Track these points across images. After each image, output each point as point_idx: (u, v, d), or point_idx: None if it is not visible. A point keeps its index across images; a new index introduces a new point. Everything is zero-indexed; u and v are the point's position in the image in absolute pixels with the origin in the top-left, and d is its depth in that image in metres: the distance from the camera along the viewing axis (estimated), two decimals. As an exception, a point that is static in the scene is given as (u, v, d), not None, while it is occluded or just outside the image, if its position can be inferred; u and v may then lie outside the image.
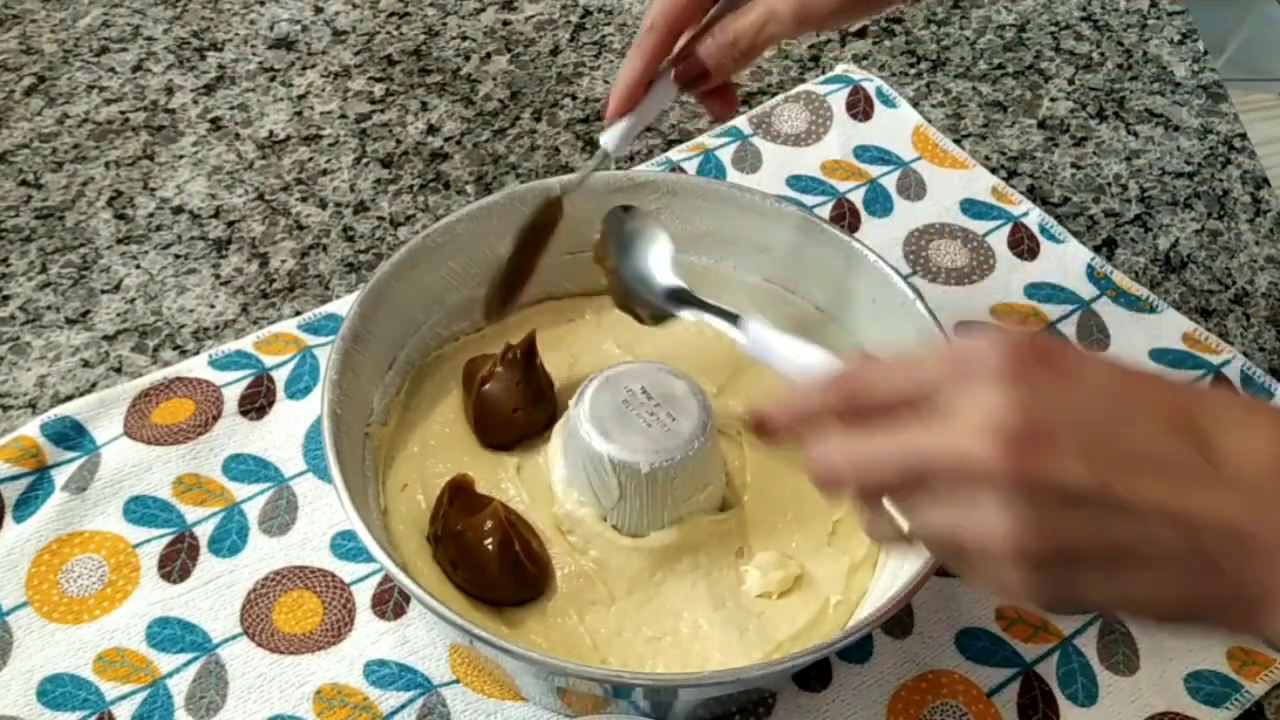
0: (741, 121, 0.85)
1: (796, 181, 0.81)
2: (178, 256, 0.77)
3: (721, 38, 0.52)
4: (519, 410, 0.62)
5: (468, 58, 0.90)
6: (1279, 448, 0.36)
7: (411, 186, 0.81)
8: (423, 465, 0.62)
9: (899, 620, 0.61)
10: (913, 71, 0.91)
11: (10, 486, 0.63)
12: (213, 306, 0.74)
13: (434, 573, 0.58)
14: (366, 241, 0.78)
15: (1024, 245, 0.78)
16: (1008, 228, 0.79)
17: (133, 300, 0.74)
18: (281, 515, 0.64)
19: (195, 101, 0.86)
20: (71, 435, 0.65)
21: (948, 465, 0.37)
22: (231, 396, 0.68)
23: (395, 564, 0.50)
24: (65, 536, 0.62)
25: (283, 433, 0.67)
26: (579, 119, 0.86)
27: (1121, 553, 0.36)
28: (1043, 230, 0.79)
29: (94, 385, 0.70)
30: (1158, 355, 0.72)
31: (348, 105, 0.87)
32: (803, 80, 0.89)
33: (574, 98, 0.88)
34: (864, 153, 0.83)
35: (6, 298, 0.74)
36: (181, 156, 0.83)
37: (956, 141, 0.85)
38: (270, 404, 0.68)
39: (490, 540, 0.56)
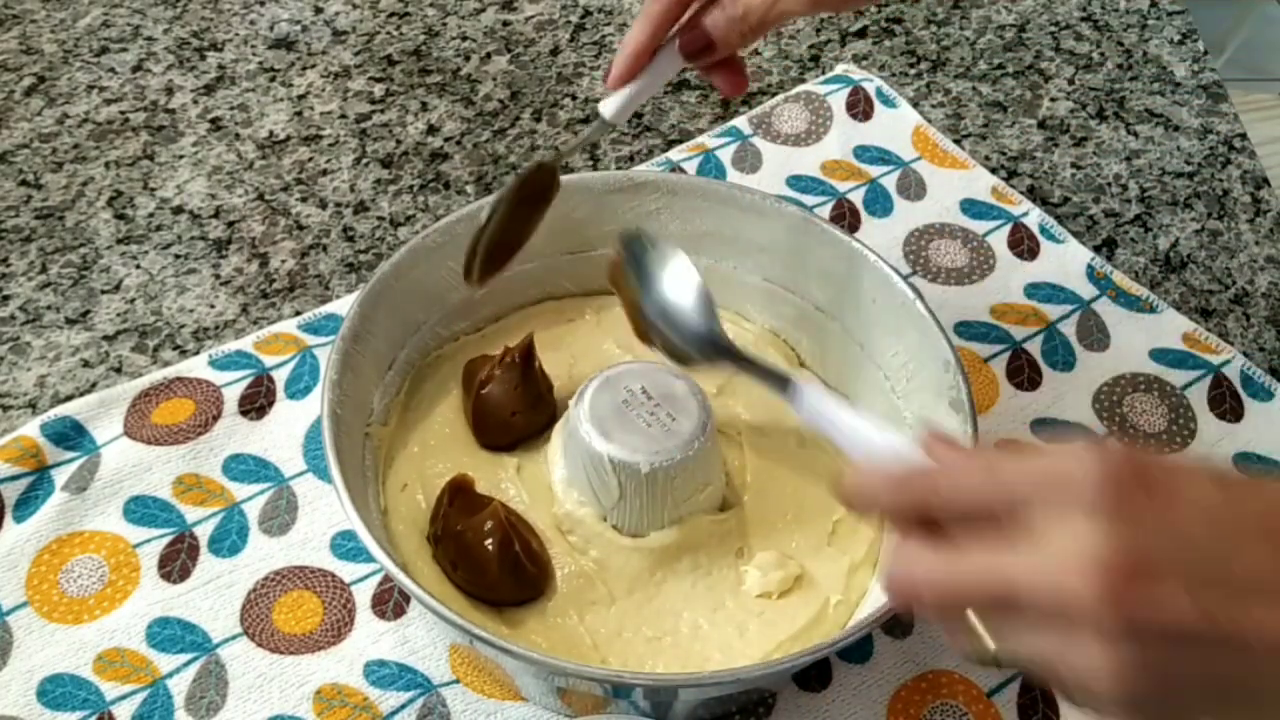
0: (741, 121, 0.85)
1: (796, 181, 0.81)
2: (178, 256, 0.77)
3: (731, 10, 0.51)
4: (517, 413, 0.62)
5: (468, 58, 0.90)
6: None
7: (411, 186, 0.81)
8: (423, 465, 0.62)
9: (899, 620, 0.61)
10: (913, 71, 0.91)
11: (10, 486, 0.63)
12: (213, 306, 0.74)
13: (434, 573, 0.58)
14: (366, 241, 0.78)
15: (1024, 245, 0.78)
16: (1008, 228, 0.79)
17: (133, 300, 0.74)
18: (281, 515, 0.64)
19: (195, 101, 0.86)
20: (71, 435, 0.65)
21: (1042, 597, 0.35)
22: (231, 396, 0.68)
23: (395, 564, 0.50)
24: (65, 536, 0.62)
25: (283, 433, 0.67)
26: (579, 119, 0.86)
27: (1231, 686, 0.35)
28: (1043, 230, 0.79)
29: (94, 385, 0.70)
30: (1158, 355, 0.72)
31: (348, 105, 0.87)
32: (803, 80, 0.89)
33: (574, 98, 0.88)
34: (864, 153, 0.83)
35: (6, 298, 0.74)
36: (181, 156, 0.83)
37: (956, 141, 0.85)
38: (270, 404, 0.68)
39: (490, 540, 0.56)
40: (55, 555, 0.62)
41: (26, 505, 0.63)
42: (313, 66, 0.89)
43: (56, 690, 0.58)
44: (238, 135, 0.84)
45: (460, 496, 0.59)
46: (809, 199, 0.80)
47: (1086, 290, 0.76)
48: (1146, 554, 0.34)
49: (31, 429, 0.65)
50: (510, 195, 0.54)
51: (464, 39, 0.92)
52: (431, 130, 0.85)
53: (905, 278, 0.61)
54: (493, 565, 0.56)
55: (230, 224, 0.79)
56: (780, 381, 0.51)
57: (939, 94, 0.89)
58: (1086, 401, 0.70)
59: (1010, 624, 0.36)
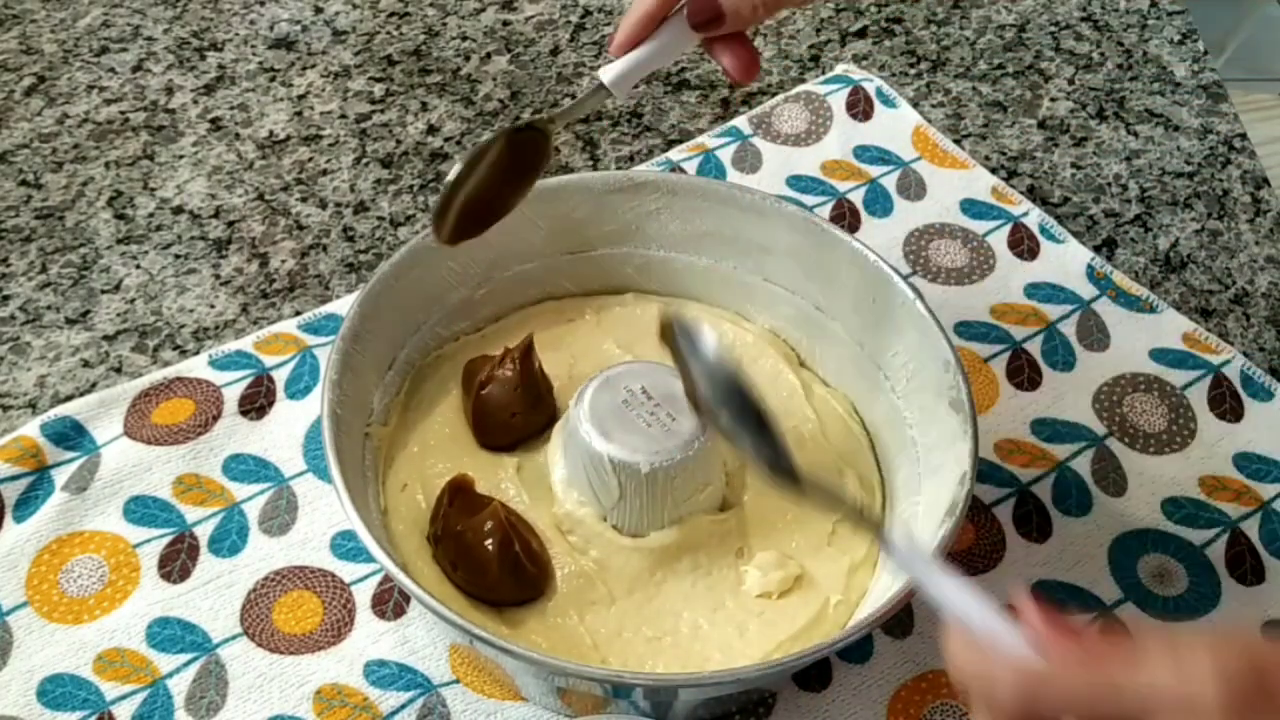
0: (741, 121, 0.85)
1: (796, 181, 0.81)
2: (178, 256, 0.77)
3: None
4: (517, 415, 0.62)
5: (468, 58, 0.90)
6: None
7: (411, 186, 0.81)
8: (423, 465, 0.62)
9: (899, 620, 0.61)
10: (913, 71, 0.91)
11: (10, 486, 0.63)
12: (213, 306, 0.74)
13: (434, 573, 0.58)
14: (366, 241, 0.78)
15: (1024, 245, 0.78)
16: (1008, 228, 0.79)
17: (133, 300, 0.74)
18: (281, 515, 0.64)
19: (195, 101, 0.86)
20: (71, 435, 0.65)
21: None
22: (231, 396, 0.68)
23: (395, 564, 0.50)
24: (65, 536, 0.62)
25: (283, 433, 0.67)
26: (579, 119, 0.86)
27: None
28: (1043, 230, 0.79)
29: (94, 385, 0.70)
30: (1158, 355, 0.72)
31: (348, 105, 0.87)
32: (803, 80, 0.89)
33: (574, 98, 0.88)
34: (864, 153, 0.83)
35: (6, 298, 0.74)
36: (181, 156, 0.83)
37: (956, 141, 0.85)
38: (270, 404, 0.68)
39: (490, 540, 0.56)
40: (55, 555, 0.62)
41: (26, 505, 0.63)
42: (313, 66, 0.89)
43: (56, 690, 0.58)
44: (238, 135, 0.84)
45: (460, 496, 0.59)
46: (809, 199, 0.80)
47: (1086, 290, 0.76)
48: None
49: (31, 429, 0.65)
50: (495, 155, 0.51)
51: (464, 39, 0.92)
52: (431, 130, 0.85)
53: (905, 278, 0.61)
54: (493, 565, 0.56)
55: (230, 224, 0.79)
56: (874, 528, 0.51)
57: (939, 94, 0.89)
58: (1086, 401, 0.70)
59: None
